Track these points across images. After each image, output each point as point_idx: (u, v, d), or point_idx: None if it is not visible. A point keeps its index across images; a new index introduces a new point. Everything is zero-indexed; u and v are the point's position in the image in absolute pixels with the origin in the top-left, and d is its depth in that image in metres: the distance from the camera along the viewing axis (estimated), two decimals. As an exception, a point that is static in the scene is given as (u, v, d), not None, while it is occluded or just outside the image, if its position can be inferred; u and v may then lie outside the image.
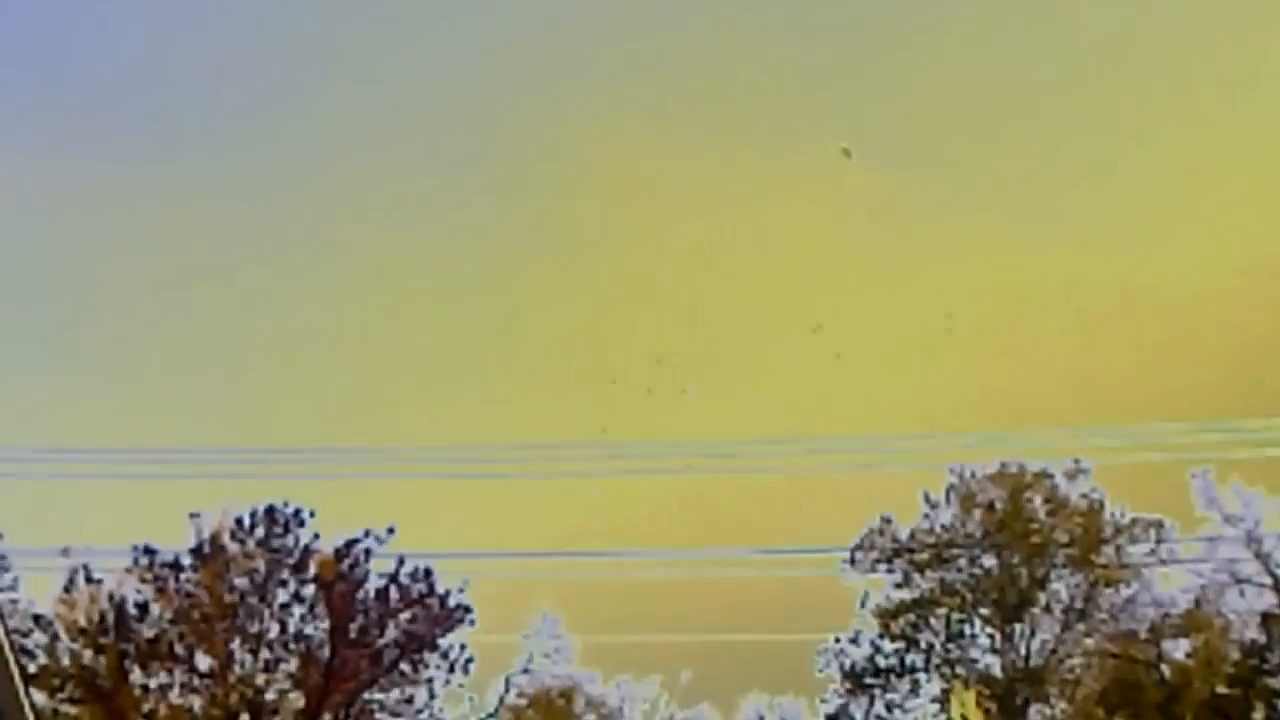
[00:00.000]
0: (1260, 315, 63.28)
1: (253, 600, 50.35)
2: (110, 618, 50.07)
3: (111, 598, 50.41)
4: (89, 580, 50.66)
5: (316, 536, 50.87)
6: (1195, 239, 66.51)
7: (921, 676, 56.39)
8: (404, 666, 51.26)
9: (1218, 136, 66.65)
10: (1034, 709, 54.84)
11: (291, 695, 50.57)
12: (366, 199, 71.41)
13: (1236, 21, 65.87)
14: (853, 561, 56.56)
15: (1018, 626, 55.65)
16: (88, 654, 50.08)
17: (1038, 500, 56.41)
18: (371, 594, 50.95)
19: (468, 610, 51.44)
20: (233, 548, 50.55)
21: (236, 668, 49.96)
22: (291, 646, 50.45)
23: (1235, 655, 53.03)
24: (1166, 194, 67.61)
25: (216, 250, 69.98)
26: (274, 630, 50.36)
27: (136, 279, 69.27)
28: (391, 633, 51.05)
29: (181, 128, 71.67)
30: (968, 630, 56.40)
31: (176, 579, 50.36)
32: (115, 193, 67.65)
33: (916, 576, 56.46)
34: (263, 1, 71.50)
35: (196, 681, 50.10)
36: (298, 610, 50.61)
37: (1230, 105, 66.97)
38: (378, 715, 51.29)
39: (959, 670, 54.60)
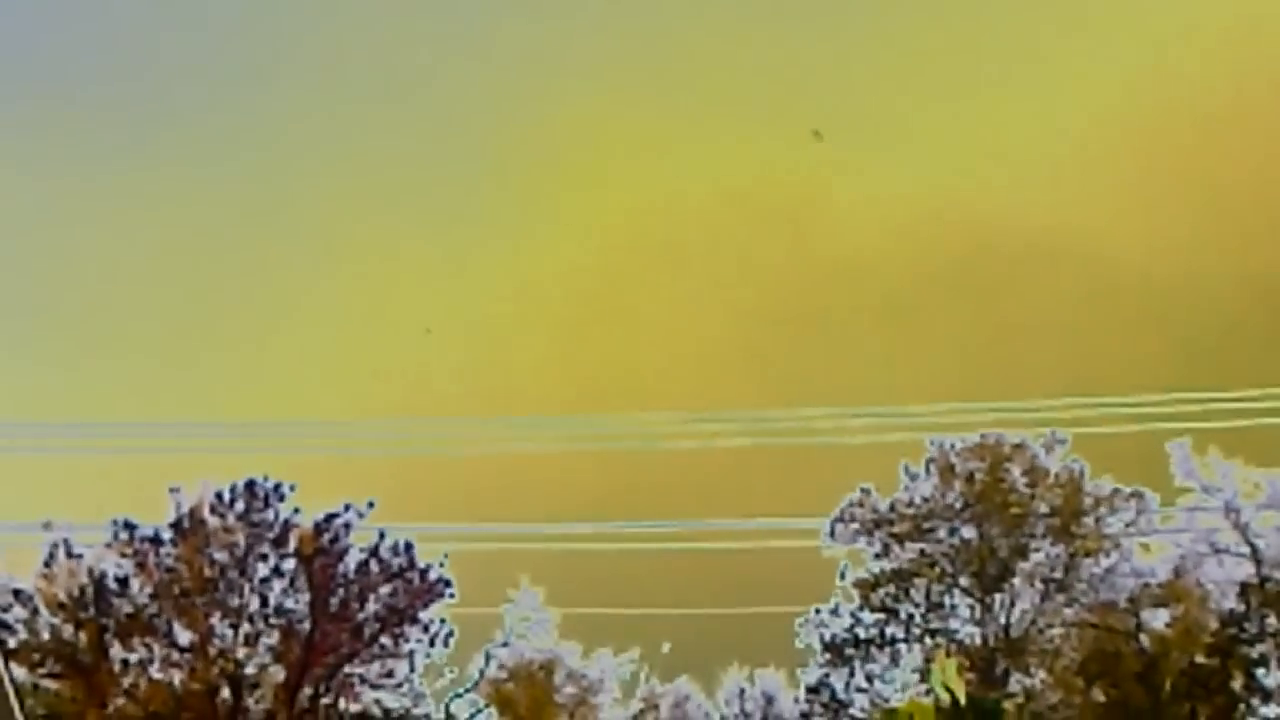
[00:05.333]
0: (1230, 290, 63.60)
1: (233, 574, 50.35)
2: (90, 592, 50.03)
3: (91, 572, 50.37)
4: (69, 555, 50.61)
5: (297, 511, 50.91)
6: (1167, 219, 66.64)
7: (902, 647, 56.48)
8: (384, 640, 51.29)
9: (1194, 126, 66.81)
10: (1014, 679, 54.95)
11: (272, 669, 50.59)
12: (340, 176, 71.38)
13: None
14: (833, 533, 56.62)
15: (997, 597, 55.77)
16: (68, 629, 50.03)
17: (1017, 471, 56.50)
18: (352, 568, 50.96)
19: (448, 584, 51.49)
20: (213, 522, 50.52)
21: (217, 642, 49.96)
22: (272, 620, 50.46)
23: (1214, 625, 53.18)
24: (1138, 173, 67.75)
25: (191, 223, 69.88)
26: (254, 604, 50.37)
27: (114, 253, 69.11)
28: (372, 606, 51.07)
29: (161, 109, 71.53)
30: (948, 601, 56.52)
31: (156, 554, 50.32)
32: (94, 173, 67.53)
33: (896, 548, 56.51)
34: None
35: (177, 656, 50.10)
36: (278, 584, 50.63)
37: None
38: (358, 688, 51.32)
39: (939, 640, 54.67)
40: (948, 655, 36.73)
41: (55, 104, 67.48)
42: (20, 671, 48.32)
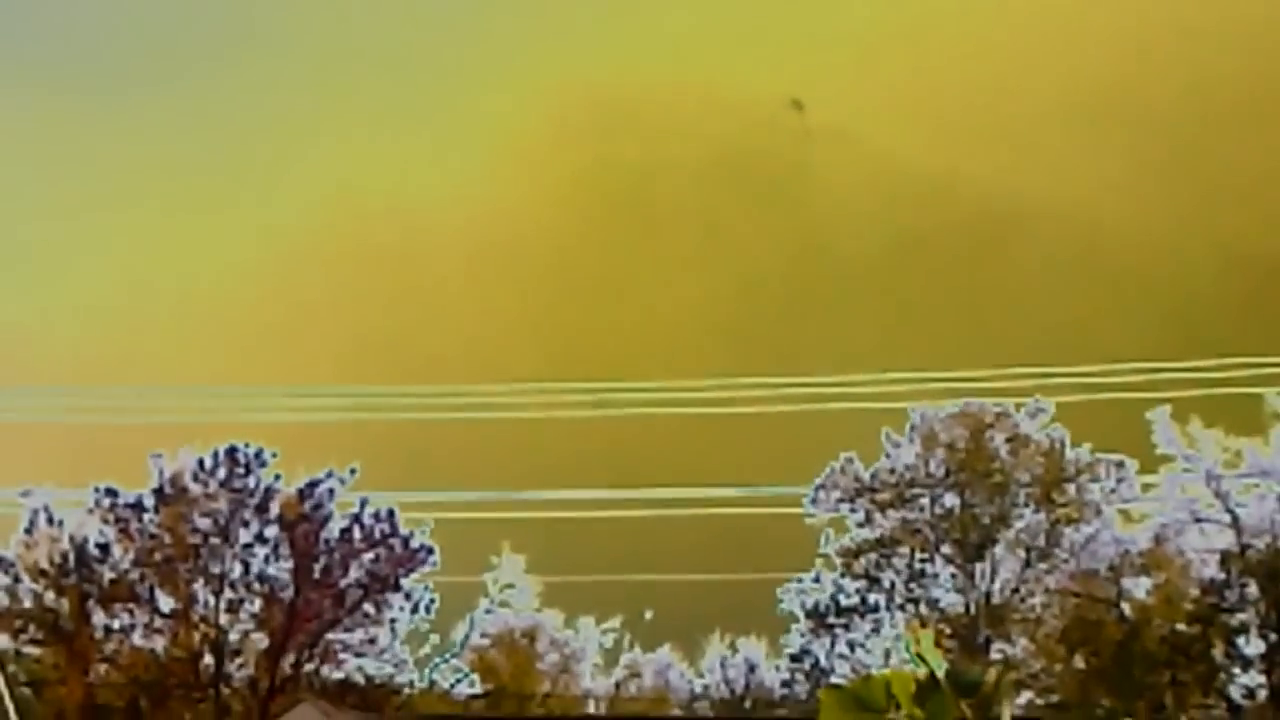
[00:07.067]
0: (1213, 260, 63.73)
1: (215, 541, 50.34)
2: (72, 559, 50.03)
3: (73, 539, 50.36)
4: (50, 522, 50.59)
5: (279, 477, 50.91)
6: (1152, 188, 66.62)
7: (884, 615, 56.53)
8: (367, 607, 51.33)
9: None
10: (996, 647, 55.03)
11: (255, 636, 50.65)
12: (317, 145, 71.21)
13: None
14: (815, 501, 56.60)
15: (979, 565, 55.79)
16: (49, 595, 50.04)
17: (999, 440, 56.50)
18: (334, 535, 50.96)
19: (430, 551, 51.51)
20: (195, 489, 50.50)
21: (199, 609, 49.99)
22: (255, 587, 50.51)
23: (1194, 593, 53.33)
24: (1124, 143, 67.70)
25: (179, 181, 69.70)
26: (237, 571, 50.41)
27: (86, 215, 68.92)
28: (354, 573, 51.08)
29: (145, 57, 71.30)
30: (930, 569, 56.55)
31: (139, 520, 50.32)
32: (80, 124, 67.36)
33: (879, 516, 56.48)
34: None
35: (159, 623, 50.15)
36: (261, 551, 50.66)
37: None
38: (341, 655, 51.37)
39: (922, 608, 54.77)
40: (924, 624, 36.88)
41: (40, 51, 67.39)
42: (2, 638, 48.45)
